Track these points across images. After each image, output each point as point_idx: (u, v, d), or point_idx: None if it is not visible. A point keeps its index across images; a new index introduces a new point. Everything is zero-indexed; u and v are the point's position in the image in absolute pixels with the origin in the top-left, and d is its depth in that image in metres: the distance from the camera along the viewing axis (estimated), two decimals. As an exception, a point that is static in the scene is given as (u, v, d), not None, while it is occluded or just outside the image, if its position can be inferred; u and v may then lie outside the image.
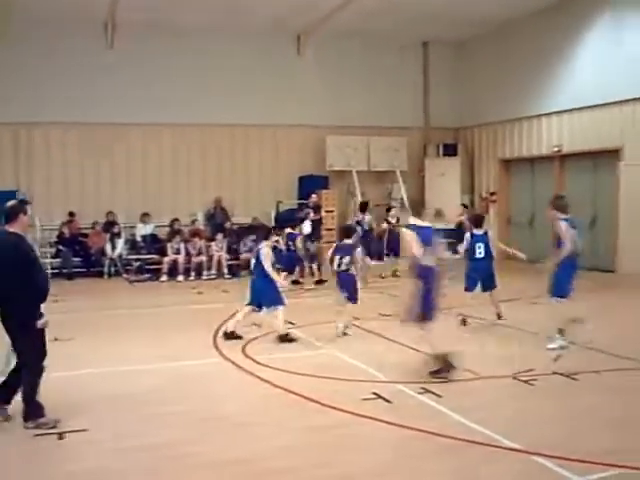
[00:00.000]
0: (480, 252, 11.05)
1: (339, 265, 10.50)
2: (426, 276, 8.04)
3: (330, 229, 20.31)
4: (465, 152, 22.86)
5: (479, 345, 9.74)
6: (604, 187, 17.98)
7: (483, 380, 7.97)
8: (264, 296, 10.15)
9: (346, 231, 11.36)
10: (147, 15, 18.14)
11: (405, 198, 21.23)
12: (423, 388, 7.53)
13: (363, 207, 17.68)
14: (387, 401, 7.14)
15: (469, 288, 11.11)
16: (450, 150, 22.75)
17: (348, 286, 10.47)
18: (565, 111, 18.92)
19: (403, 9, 18.80)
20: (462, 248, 11.32)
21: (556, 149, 19.20)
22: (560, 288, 9.46)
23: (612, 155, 17.48)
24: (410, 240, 8.17)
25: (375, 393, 7.33)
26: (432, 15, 19.49)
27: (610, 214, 17.64)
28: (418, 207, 9.28)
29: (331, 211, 20.47)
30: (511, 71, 20.81)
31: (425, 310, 8.02)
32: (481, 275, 11.07)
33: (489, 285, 11.14)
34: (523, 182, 21.18)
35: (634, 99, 15.92)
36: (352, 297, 10.49)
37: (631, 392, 7.55)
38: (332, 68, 21.56)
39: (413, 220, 8.54)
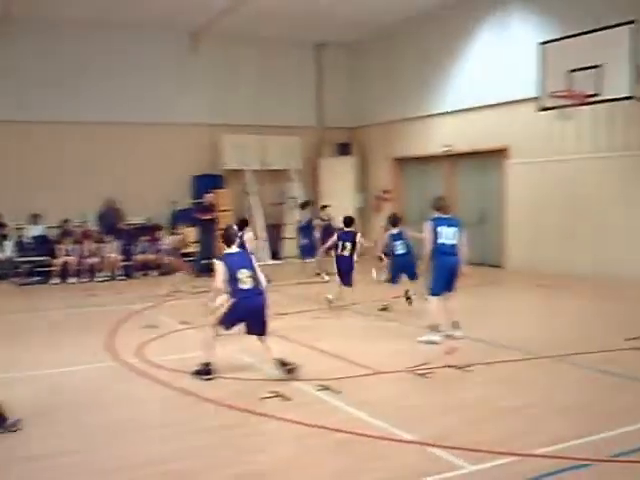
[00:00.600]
0: (401, 249, 12.00)
1: (343, 249, 12.25)
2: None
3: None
4: (359, 151, 23.17)
5: (374, 340, 9.96)
6: (492, 185, 18.59)
7: (380, 375, 8.09)
8: None
9: (349, 220, 12.75)
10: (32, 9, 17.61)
11: (300, 197, 21.40)
12: (322, 385, 7.58)
13: (304, 205, 17.74)
14: (287, 399, 7.16)
15: (394, 281, 12.15)
16: (344, 149, 23.05)
17: (348, 268, 12.20)
18: (455, 111, 19.44)
19: (295, 11, 18.94)
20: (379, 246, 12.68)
21: (446, 148, 19.70)
22: (431, 286, 9.85)
23: (500, 154, 18.07)
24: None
25: (274, 391, 7.34)
26: (324, 17, 19.71)
27: (498, 211, 18.27)
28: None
29: (226, 210, 20.35)
30: (403, 71, 21.26)
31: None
32: (404, 269, 12.01)
33: (412, 276, 12.04)
34: (415, 181, 21.63)
35: (521, 100, 16.43)
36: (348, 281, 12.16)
37: (519, 382, 7.83)
38: (227, 67, 21.49)
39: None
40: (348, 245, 12.31)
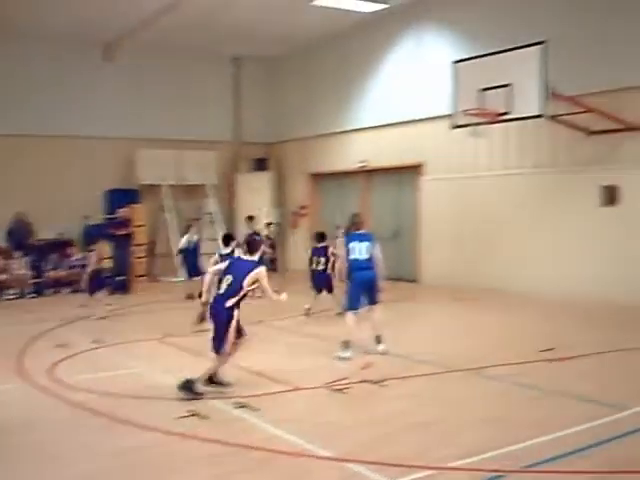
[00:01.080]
0: (319, 264, 13.00)
1: (317, 264, 12.82)
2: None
3: (140, 244, 19.89)
4: (276, 167, 23.17)
5: (292, 357, 9.94)
6: (408, 201, 18.85)
7: (298, 391, 8.05)
8: None
9: (320, 235, 13.32)
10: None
11: (216, 212, 21.26)
12: (239, 403, 7.50)
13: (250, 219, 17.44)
14: (203, 418, 7.04)
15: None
16: (261, 165, 23.02)
17: (323, 283, 12.75)
18: (371, 127, 19.67)
19: (212, 24, 18.82)
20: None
21: (362, 164, 19.90)
22: (346, 302, 10.09)
23: (415, 170, 18.35)
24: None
25: (191, 410, 7.20)
26: (242, 31, 19.68)
27: (413, 227, 18.53)
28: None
29: (141, 225, 20.05)
30: (320, 88, 21.42)
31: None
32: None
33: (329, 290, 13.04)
34: (332, 196, 21.76)
35: (435, 117, 16.73)
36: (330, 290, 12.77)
37: (434, 396, 7.92)
38: (143, 80, 21.19)
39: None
40: (322, 260, 12.95)
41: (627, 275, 13.71)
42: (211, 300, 8.02)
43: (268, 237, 17.91)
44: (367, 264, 9.83)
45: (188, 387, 7.74)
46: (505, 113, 12.37)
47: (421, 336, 11.60)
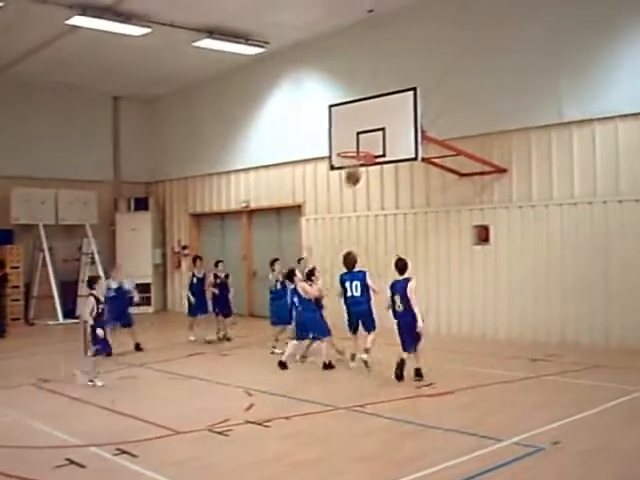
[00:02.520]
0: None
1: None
2: None
3: (16, 286, 19.23)
4: (157, 207, 22.97)
5: (173, 400, 9.85)
6: (289, 241, 19.05)
7: (180, 435, 7.97)
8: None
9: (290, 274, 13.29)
10: None
11: (96, 253, 20.81)
12: (119, 449, 7.37)
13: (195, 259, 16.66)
14: (81, 466, 6.88)
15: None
16: (141, 204, 22.73)
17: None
18: (252, 168, 19.85)
19: (92, 61, 18.63)
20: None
21: (244, 204, 20.03)
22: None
23: (295, 210, 18.62)
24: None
25: (68, 459, 7.02)
26: (122, 70, 19.59)
27: (294, 265, 18.64)
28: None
29: (16, 267, 19.41)
30: (201, 128, 21.48)
31: None
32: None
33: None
34: (214, 236, 21.73)
35: (315, 158, 17.06)
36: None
37: (317, 434, 8.02)
38: (19, 115, 20.61)
39: None
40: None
41: (499, 310, 14.33)
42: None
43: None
44: (360, 299, 11.64)
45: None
46: (381, 156, 12.77)
47: (301, 374, 11.72)
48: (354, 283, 11.75)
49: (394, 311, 10.73)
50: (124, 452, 7.29)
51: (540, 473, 6.44)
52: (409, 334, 10.52)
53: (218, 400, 9.78)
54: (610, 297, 12.83)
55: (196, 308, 15.62)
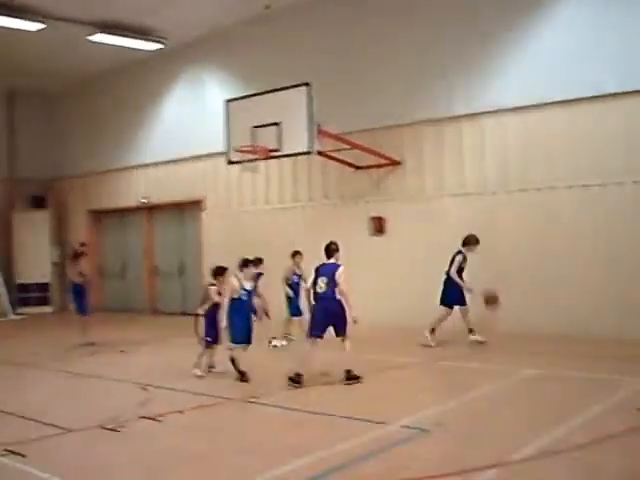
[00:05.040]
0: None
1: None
2: None
3: None
4: (55, 204, 22.49)
5: (64, 397, 9.74)
6: (190, 236, 19.00)
7: (72, 433, 7.87)
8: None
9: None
10: None
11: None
12: (6, 450, 7.24)
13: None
14: (-35, 468, 6.75)
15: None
16: (39, 202, 22.23)
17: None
18: (152, 164, 19.68)
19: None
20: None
21: (144, 200, 19.83)
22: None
23: (196, 206, 18.57)
24: None
25: (-49, 461, 6.87)
26: (16, 65, 19.05)
27: (197, 262, 18.68)
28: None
29: None
30: (100, 124, 21.18)
31: None
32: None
33: None
34: (114, 233, 21.46)
35: (214, 153, 17.02)
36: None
37: (210, 426, 8.06)
38: None
39: None
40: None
41: (395, 297, 14.67)
42: None
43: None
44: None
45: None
46: (276, 150, 12.90)
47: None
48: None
49: (315, 294, 10.08)
50: (12, 452, 7.16)
51: (421, 453, 6.67)
52: (337, 319, 9.99)
53: (113, 397, 9.70)
54: (499, 282, 13.31)
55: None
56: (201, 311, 10.83)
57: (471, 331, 12.33)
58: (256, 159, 13.25)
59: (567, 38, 12.69)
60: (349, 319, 10.02)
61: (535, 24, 13.08)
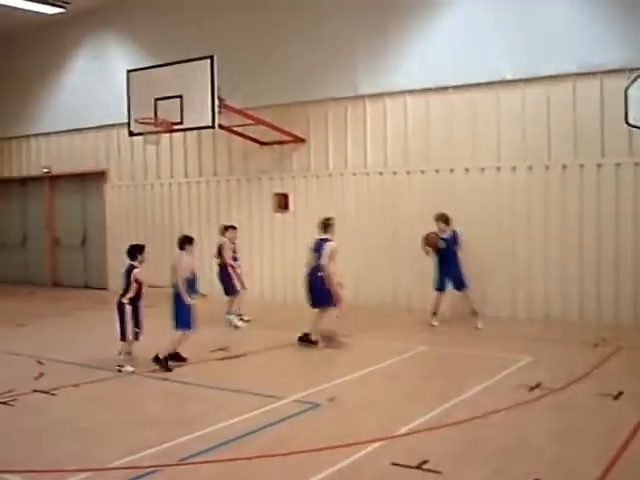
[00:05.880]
0: None
1: None
2: None
3: None
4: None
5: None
6: (93, 208, 18.70)
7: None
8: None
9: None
10: None
11: None
12: None
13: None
14: None
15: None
16: None
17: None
18: (54, 133, 19.20)
19: None
20: None
21: (46, 170, 19.38)
22: None
23: (99, 177, 18.27)
24: None
25: None
26: None
27: (99, 233, 18.43)
28: None
29: None
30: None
31: None
32: None
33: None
34: (15, 202, 20.87)
35: (116, 124, 16.76)
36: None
37: (106, 400, 8.09)
38: None
39: None
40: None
41: (298, 275, 14.79)
42: None
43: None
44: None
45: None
46: (178, 123, 12.82)
47: (100, 342, 11.59)
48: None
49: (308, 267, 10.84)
50: None
51: (309, 427, 6.91)
52: (321, 294, 10.50)
53: (7, 371, 9.57)
54: (396, 259, 13.70)
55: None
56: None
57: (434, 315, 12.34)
58: (158, 131, 13.14)
59: (468, 23, 13.00)
60: (335, 295, 10.50)
61: (438, 7, 13.34)
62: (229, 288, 12.60)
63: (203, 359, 9.88)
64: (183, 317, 9.42)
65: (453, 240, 11.91)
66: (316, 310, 10.76)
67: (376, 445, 6.25)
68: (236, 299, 12.67)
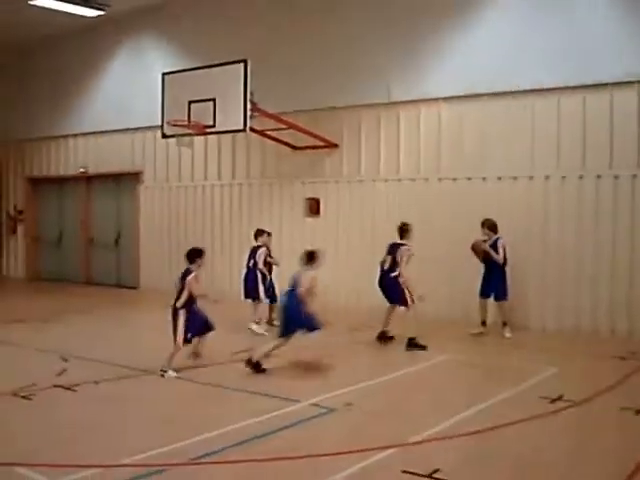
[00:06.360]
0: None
1: None
2: None
3: None
4: (-9, 169, 22.10)
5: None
6: (127, 208, 18.88)
7: (-18, 399, 7.88)
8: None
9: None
10: None
11: None
12: None
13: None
14: None
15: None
16: (-25, 167, 21.79)
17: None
18: (91, 133, 19.44)
19: None
20: None
21: (82, 170, 19.61)
22: None
23: (134, 178, 18.44)
24: None
25: None
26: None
27: (132, 233, 18.59)
28: None
29: None
30: (39, 90, 20.80)
31: None
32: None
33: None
34: (51, 201, 21.18)
35: (154, 126, 16.85)
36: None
37: (125, 398, 8.10)
38: None
39: None
40: None
41: (326, 279, 14.73)
42: None
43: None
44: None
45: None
46: (211, 126, 12.88)
47: (126, 341, 11.75)
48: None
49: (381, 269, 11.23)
50: None
51: (323, 431, 6.86)
52: (393, 292, 11.02)
53: (31, 365, 9.68)
54: (427, 264, 13.53)
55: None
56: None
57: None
58: (190, 134, 13.22)
59: (505, 30, 12.89)
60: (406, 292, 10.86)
61: (474, 13, 13.24)
62: (254, 293, 12.27)
63: (225, 360, 9.88)
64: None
65: (494, 248, 11.74)
66: (389, 307, 11.30)
67: (389, 452, 6.17)
68: (260, 306, 12.36)
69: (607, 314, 12.01)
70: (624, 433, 6.85)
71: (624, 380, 8.94)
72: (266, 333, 11.87)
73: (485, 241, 11.76)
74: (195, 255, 9.31)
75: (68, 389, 8.29)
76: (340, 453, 6.13)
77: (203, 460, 5.99)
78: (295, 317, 9.21)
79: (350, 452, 6.14)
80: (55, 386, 8.39)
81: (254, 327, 12.13)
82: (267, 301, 12.49)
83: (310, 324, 9.22)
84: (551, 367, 9.50)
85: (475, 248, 11.81)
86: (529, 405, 7.67)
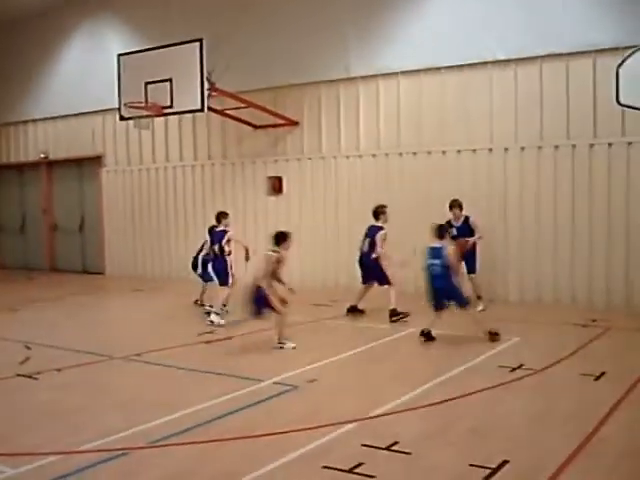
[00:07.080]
0: None
1: None
2: None
3: None
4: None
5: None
6: (90, 193, 18.69)
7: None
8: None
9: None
10: None
11: None
12: None
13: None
14: None
15: None
16: None
17: None
18: (51, 118, 19.16)
19: None
20: None
21: (42, 155, 19.37)
22: None
23: (95, 162, 18.25)
24: None
25: None
26: None
27: (96, 218, 18.43)
28: None
29: None
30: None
31: None
32: None
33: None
34: (12, 188, 20.89)
35: (113, 109, 16.63)
36: None
37: (84, 384, 8.05)
38: None
39: None
40: None
41: (291, 256, 14.76)
42: None
43: None
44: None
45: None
46: (168, 107, 12.77)
47: (91, 327, 11.69)
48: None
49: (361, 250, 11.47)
50: None
51: (286, 408, 6.89)
52: (375, 273, 11.29)
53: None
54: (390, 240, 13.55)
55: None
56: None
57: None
58: (148, 115, 13.09)
59: (460, 4, 12.90)
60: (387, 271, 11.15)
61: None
62: (224, 278, 11.64)
63: (189, 343, 9.86)
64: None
65: (466, 227, 11.66)
66: (364, 286, 11.54)
67: (349, 427, 6.20)
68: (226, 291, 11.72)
69: (568, 283, 12.15)
70: (583, 398, 6.96)
71: (584, 346, 9.08)
72: (222, 321, 11.24)
73: (449, 222, 11.41)
74: (281, 239, 9.55)
75: (30, 377, 8.23)
76: (300, 430, 6.14)
77: (164, 442, 5.99)
78: (448, 289, 9.45)
79: (310, 428, 6.17)
80: (17, 375, 8.32)
81: (213, 317, 11.31)
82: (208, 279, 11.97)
83: (461, 298, 9.49)
84: (513, 337, 9.61)
85: (462, 250, 11.38)
86: (490, 374, 7.77)
